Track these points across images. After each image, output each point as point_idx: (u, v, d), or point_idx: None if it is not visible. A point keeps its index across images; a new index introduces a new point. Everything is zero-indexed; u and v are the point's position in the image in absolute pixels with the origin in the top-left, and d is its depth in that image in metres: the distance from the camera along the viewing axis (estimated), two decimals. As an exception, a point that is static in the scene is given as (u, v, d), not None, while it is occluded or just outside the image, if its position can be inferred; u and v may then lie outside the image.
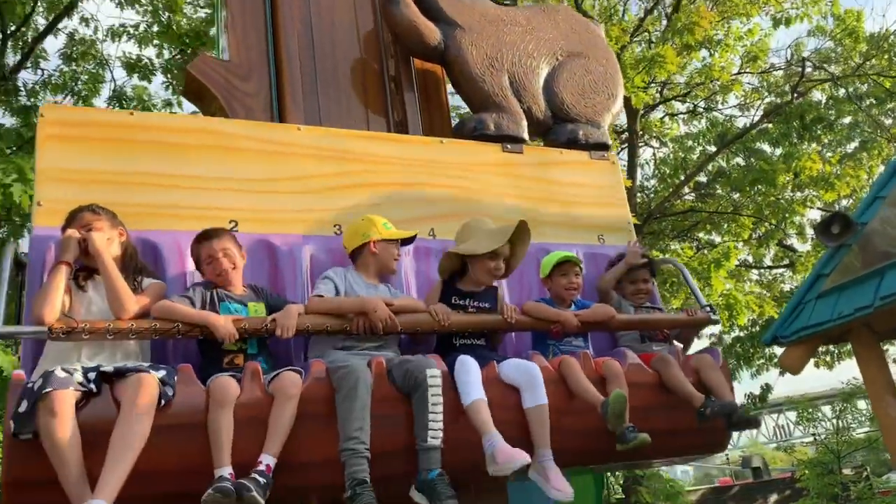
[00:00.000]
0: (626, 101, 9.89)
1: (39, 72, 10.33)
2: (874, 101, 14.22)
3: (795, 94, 13.68)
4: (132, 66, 10.57)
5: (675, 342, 3.90)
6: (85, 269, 2.87)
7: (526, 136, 4.26)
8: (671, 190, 14.12)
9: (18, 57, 10.36)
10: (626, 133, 13.40)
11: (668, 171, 15.18)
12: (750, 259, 15.39)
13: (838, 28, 13.47)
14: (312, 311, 3.01)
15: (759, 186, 12.87)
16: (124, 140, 3.32)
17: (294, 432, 2.64)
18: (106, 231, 2.88)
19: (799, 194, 13.54)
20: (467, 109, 4.56)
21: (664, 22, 13.08)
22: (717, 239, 14.29)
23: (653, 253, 4.08)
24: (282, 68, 3.94)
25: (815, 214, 14.61)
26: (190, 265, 3.16)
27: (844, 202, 14.02)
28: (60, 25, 10.66)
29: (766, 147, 14.73)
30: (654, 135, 14.75)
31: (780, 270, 15.55)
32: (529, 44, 4.38)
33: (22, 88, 9.95)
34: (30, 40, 10.48)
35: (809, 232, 14.85)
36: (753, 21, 13.59)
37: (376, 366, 2.88)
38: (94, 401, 2.49)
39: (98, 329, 2.63)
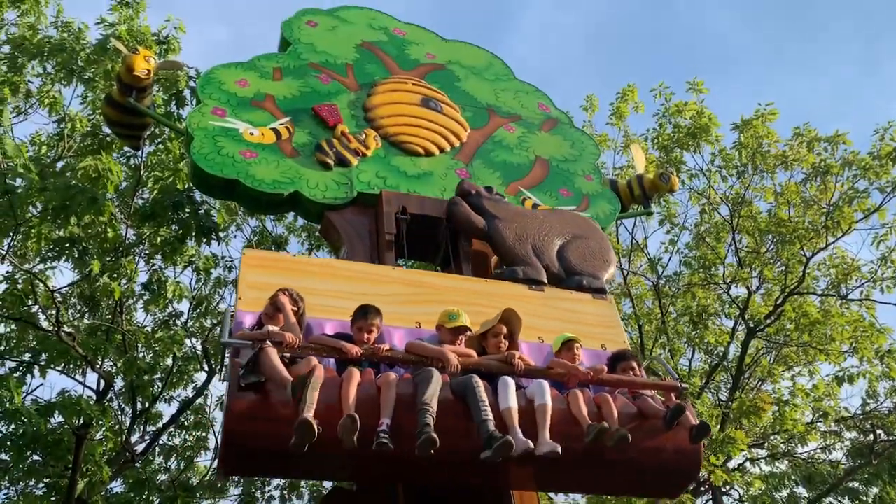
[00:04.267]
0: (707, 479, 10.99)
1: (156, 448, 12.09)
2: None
3: (879, 435, 13.70)
4: None
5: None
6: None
7: (546, 280, 5.94)
8: None
9: (146, 440, 11.94)
10: (709, 490, 13.39)
11: None
12: None
13: None
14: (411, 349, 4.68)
15: None
16: (290, 269, 5.35)
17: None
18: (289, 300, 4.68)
19: None
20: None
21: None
22: None
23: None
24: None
25: None
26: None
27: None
28: (175, 394, 12.41)
29: (857, 485, 14.55)
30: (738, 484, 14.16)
31: None
32: (546, 227, 6.31)
33: (141, 468, 11.33)
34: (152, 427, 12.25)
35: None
36: (817, 377, 14.05)
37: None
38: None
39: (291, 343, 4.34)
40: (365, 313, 4.75)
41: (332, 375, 4.27)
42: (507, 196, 6.88)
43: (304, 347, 4.34)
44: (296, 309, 4.67)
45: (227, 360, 4.42)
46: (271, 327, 4.49)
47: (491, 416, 4.16)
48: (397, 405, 4.14)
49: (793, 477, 15.30)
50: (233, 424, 4.06)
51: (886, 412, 14.07)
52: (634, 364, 5.13)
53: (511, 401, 4.34)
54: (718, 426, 11.98)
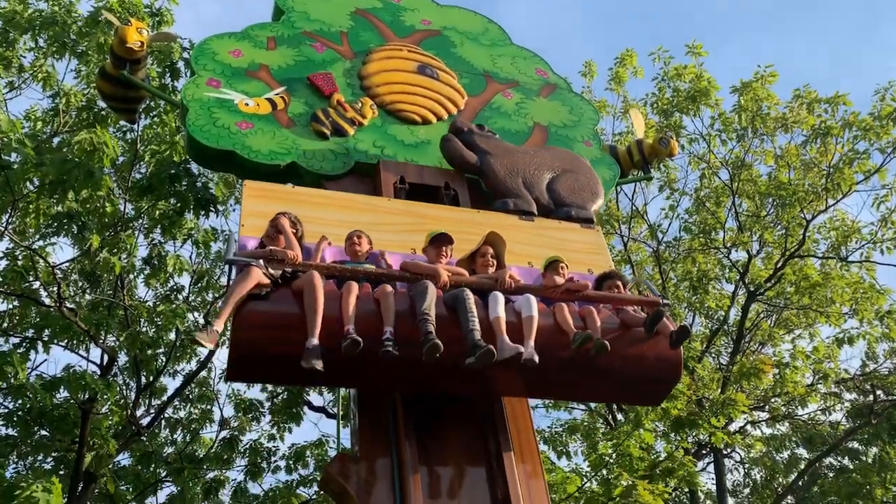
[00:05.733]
0: (708, 442, 11.06)
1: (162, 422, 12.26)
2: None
3: (879, 396, 13.86)
4: (239, 405, 12.51)
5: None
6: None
7: (535, 212, 6.19)
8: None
9: (151, 414, 12.04)
10: (711, 454, 13.46)
11: (759, 481, 15.30)
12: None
13: None
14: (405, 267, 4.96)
15: (857, 500, 12.79)
16: (290, 200, 5.50)
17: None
18: (289, 222, 4.96)
19: None
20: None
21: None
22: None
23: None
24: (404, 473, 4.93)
25: None
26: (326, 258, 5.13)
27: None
28: (179, 367, 12.51)
29: (857, 445, 14.81)
30: (739, 446, 14.46)
31: None
32: (536, 162, 6.55)
33: (147, 441, 11.52)
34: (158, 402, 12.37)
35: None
36: (817, 339, 14.26)
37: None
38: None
39: (301, 263, 4.66)
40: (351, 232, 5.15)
41: (331, 289, 4.54)
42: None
43: (305, 264, 4.60)
44: (295, 231, 4.93)
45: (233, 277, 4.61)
46: (273, 248, 4.75)
47: (478, 326, 4.39)
48: (397, 316, 4.41)
49: (793, 438, 15.48)
50: (242, 333, 4.34)
51: (886, 373, 14.16)
52: (619, 283, 5.38)
53: (500, 311, 4.58)
54: (719, 390, 12.07)
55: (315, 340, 4.22)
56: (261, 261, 4.51)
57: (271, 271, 4.50)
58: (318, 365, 4.13)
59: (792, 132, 13.69)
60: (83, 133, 7.83)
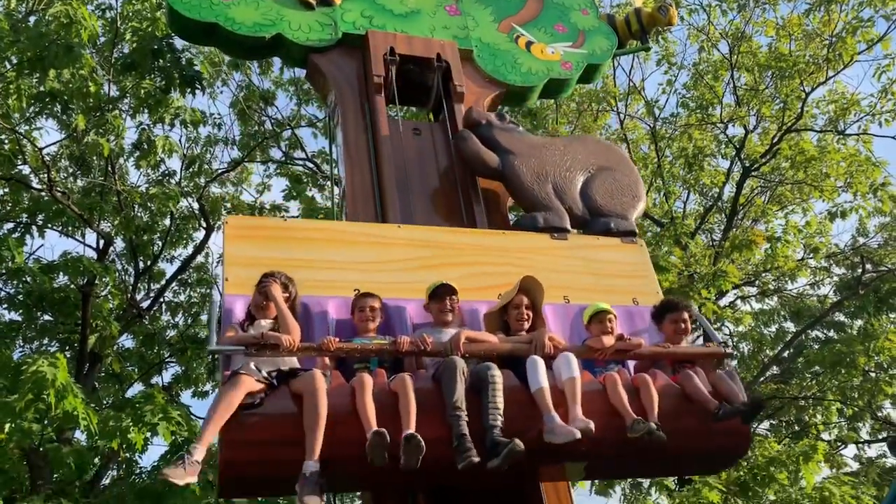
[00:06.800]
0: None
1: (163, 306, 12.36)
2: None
3: (867, 268, 13.68)
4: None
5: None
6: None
7: (569, 227, 5.37)
8: (753, 375, 13.82)
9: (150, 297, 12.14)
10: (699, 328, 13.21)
11: (746, 353, 15.06)
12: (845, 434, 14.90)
13: None
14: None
15: (841, 369, 12.60)
16: (280, 238, 4.73)
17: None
18: (279, 287, 4.10)
19: (883, 374, 13.21)
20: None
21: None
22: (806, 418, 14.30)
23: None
24: (385, 199, 5.29)
25: None
26: (330, 317, 4.45)
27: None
28: (176, 253, 12.46)
29: (843, 318, 14.63)
30: (728, 320, 14.20)
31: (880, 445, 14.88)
32: (567, 161, 5.63)
33: (149, 323, 11.47)
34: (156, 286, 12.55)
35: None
36: (810, 214, 14.02)
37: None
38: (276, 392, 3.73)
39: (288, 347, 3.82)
40: (360, 300, 4.35)
41: (339, 383, 3.81)
42: (500, 33, 6.62)
43: (305, 348, 3.86)
44: (287, 295, 4.14)
45: (219, 369, 3.94)
46: (264, 321, 4.09)
47: (499, 421, 3.71)
48: (421, 410, 3.69)
49: (782, 313, 15.82)
50: (229, 454, 3.63)
51: (876, 246, 14.34)
52: (686, 315, 4.63)
53: (542, 380, 3.90)
54: (711, 264, 12.24)
55: (313, 465, 3.46)
56: (252, 365, 3.70)
57: (264, 373, 3.72)
58: (315, 501, 3.39)
59: (795, 0, 13.26)
60: (58, 5, 7.52)
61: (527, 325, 4.42)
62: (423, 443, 3.50)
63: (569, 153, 5.71)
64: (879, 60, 12.86)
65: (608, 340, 4.27)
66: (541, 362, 3.98)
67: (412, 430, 3.58)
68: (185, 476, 3.34)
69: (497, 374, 3.84)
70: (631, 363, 4.54)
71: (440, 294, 4.40)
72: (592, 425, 3.74)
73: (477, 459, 3.52)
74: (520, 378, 3.98)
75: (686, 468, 5.15)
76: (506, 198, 5.81)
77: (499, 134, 5.58)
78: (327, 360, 4.05)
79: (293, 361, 3.96)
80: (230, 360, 3.89)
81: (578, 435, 3.66)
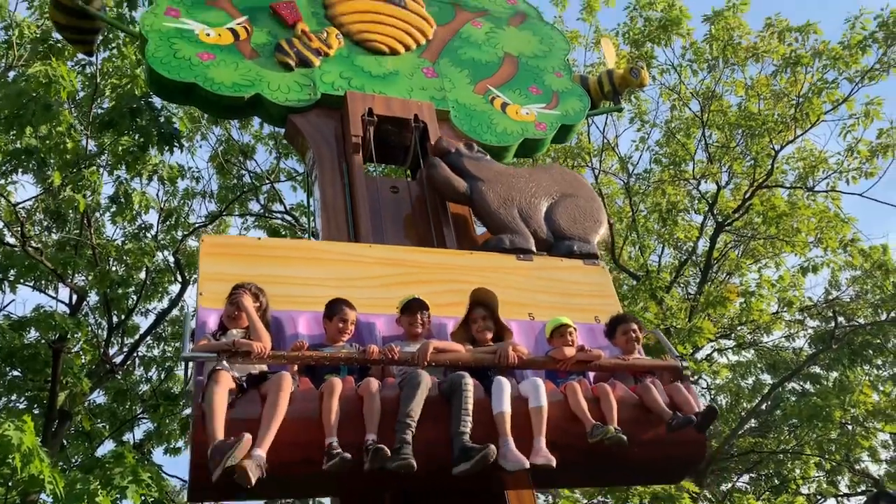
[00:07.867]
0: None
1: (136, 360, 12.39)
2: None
3: (840, 321, 14.14)
4: None
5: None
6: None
7: (534, 249, 5.55)
8: (731, 429, 14.07)
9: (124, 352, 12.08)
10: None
11: (724, 406, 15.47)
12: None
13: (867, 263, 13.91)
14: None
15: (817, 422, 12.88)
16: (255, 255, 4.84)
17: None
18: (250, 297, 4.24)
19: (860, 428, 13.54)
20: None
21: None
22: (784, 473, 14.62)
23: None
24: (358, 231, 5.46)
25: (885, 436, 14.69)
26: (301, 332, 4.49)
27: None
28: (150, 306, 12.44)
29: (819, 370, 15.03)
30: (705, 373, 14.48)
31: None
32: (532, 188, 5.88)
33: (119, 376, 11.41)
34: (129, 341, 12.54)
35: (883, 454, 15.18)
36: (783, 268, 14.55)
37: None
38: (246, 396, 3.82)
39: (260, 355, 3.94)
40: (339, 306, 4.43)
41: (307, 388, 3.93)
42: (475, 94, 6.76)
43: (275, 355, 3.96)
44: (258, 305, 4.25)
45: (191, 375, 3.97)
46: (235, 331, 4.18)
47: (468, 429, 3.86)
48: (383, 416, 3.84)
49: (758, 365, 15.93)
50: (199, 457, 3.60)
51: (848, 300, 14.55)
52: (635, 325, 4.91)
53: (505, 405, 4.01)
54: (687, 318, 12.33)
55: (261, 452, 3.54)
56: (224, 362, 3.80)
57: (235, 374, 3.82)
58: (254, 477, 3.45)
59: (762, 62, 13.69)
60: (38, 65, 7.57)
61: (489, 335, 4.61)
62: (388, 452, 3.65)
63: (534, 180, 5.98)
64: (845, 120, 13.28)
65: (570, 352, 4.47)
66: (507, 385, 4.11)
67: (375, 435, 3.75)
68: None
69: (469, 383, 4.01)
70: (591, 375, 4.73)
71: (412, 308, 4.56)
72: (554, 462, 3.88)
73: (412, 463, 3.66)
74: (486, 389, 4.14)
75: (644, 476, 5.19)
76: (474, 223, 6.02)
77: (467, 162, 5.83)
78: (296, 367, 4.13)
79: (263, 368, 4.04)
80: (202, 369, 3.94)
81: (527, 465, 3.80)
